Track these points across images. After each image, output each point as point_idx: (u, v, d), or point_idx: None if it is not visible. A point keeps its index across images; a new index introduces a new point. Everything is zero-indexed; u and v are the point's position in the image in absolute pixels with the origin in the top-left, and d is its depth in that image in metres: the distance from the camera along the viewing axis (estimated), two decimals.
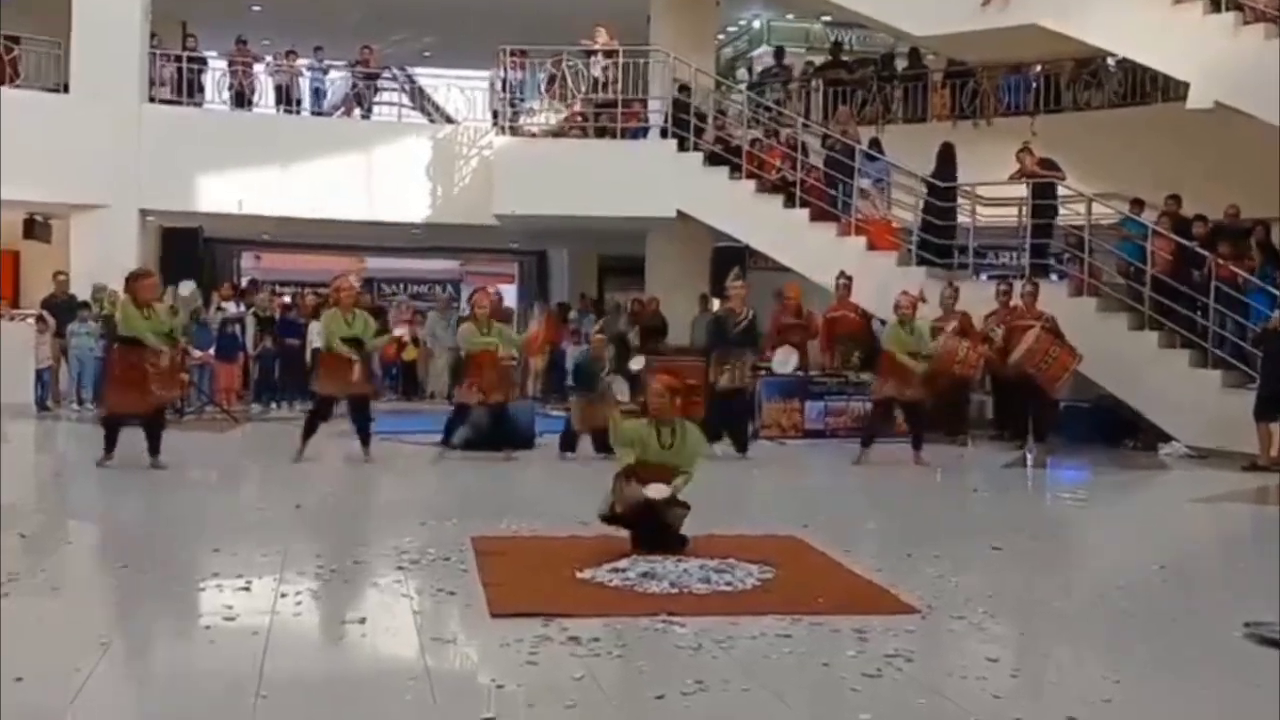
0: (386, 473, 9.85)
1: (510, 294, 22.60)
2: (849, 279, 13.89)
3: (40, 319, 14.89)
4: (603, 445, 10.67)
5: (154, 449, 9.39)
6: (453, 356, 14.04)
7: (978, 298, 13.40)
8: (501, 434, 10.95)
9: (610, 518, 6.41)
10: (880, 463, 10.60)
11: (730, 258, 15.75)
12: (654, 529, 6.35)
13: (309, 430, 10.26)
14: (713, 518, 7.09)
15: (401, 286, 25.60)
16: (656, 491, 6.43)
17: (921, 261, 14.31)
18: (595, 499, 6.73)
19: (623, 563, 6.10)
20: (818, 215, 14.88)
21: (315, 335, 14.31)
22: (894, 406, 11.31)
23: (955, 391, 12.90)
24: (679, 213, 15.71)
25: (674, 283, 17.57)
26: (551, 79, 15.79)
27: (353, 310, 10.46)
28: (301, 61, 17.28)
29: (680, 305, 17.27)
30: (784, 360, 12.89)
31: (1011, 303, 13.03)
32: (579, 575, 5.93)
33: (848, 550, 6.68)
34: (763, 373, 13.07)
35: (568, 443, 11.11)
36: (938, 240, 14.38)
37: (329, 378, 10.54)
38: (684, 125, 15.53)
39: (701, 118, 15.66)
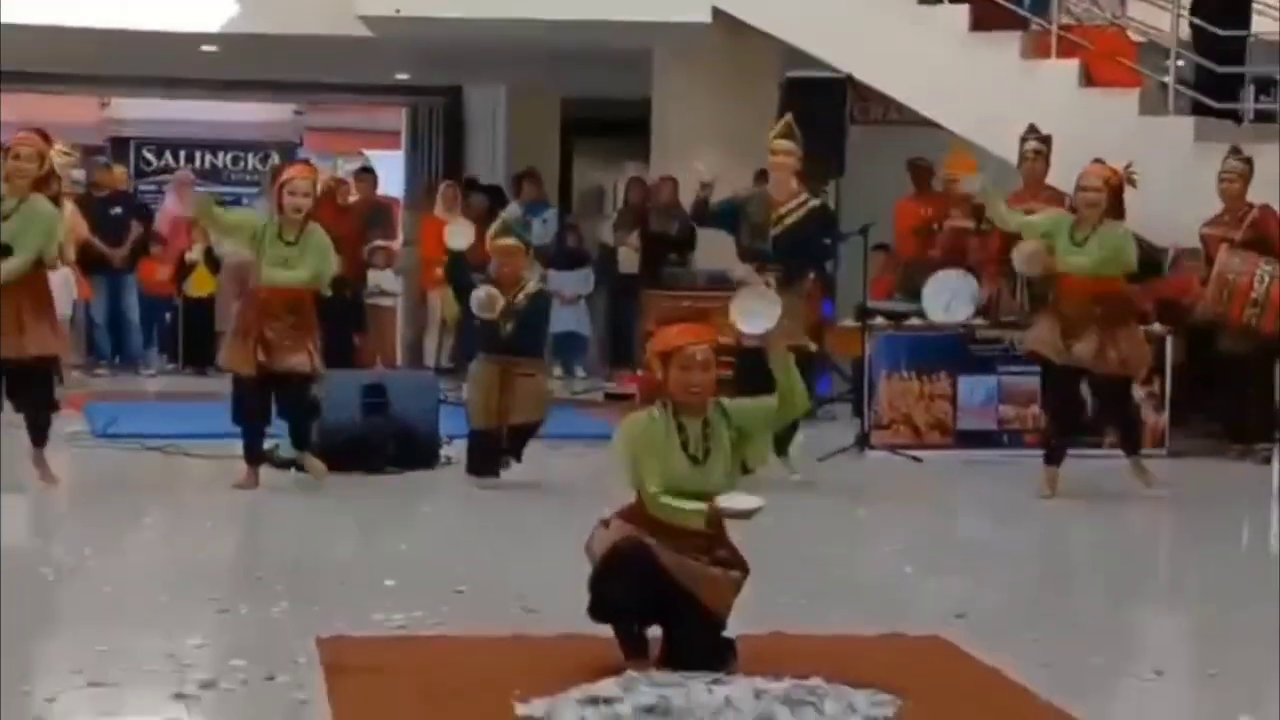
0: (157, 509, 9.46)
1: (394, 169, 20.71)
2: (1044, 142, 12.19)
3: None
4: (514, 451, 10.11)
5: None
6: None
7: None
8: (380, 439, 10.24)
9: (616, 605, 5.76)
10: (1086, 491, 10.03)
11: (813, 95, 13.76)
12: (673, 617, 5.79)
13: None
14: (780, 599, 6.86)
15: (186, 156, 23.00)
16: (735, 502, 5.76)
17: (1193, 109, 13.03)
18: (552, 561, 6.47)
19: (608, 685, 5.45)
20: (986, 19, 13.51)
21: None
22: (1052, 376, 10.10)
23: (1254, 359, 11.70)
24: (716, 12, 14.24)
25: (704, 150, 15.12)
26: None
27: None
28: None
29: (719, 194, 15.15)
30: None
31: None
32: (521, 710, 5.37)
33: (1041, 664, 6.12)
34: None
35: (479, 458, 10.17)
36: (1217, 69, 12.95)
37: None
38: None
39: None
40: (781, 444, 10.05)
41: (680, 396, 5.86)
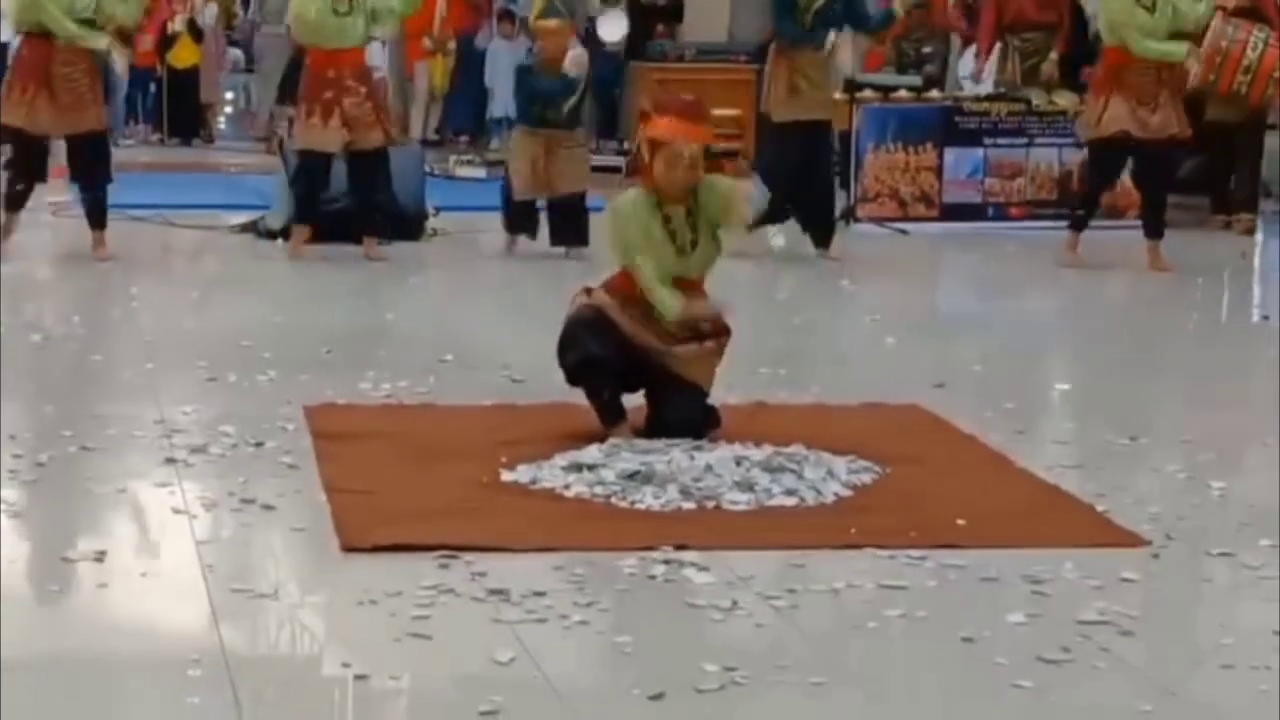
0: (142, 277, 9.45)
1: None
2: None
3: None
4: (570, 232, 10.01)
5: None
6: (295, 57, 12.45)
7: None
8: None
9: (578, 366, 5.85)
10: (1085, 264, 10.20)
11: None
12: (653, 385, 5.89)
13: (14, 200, 9.77)
14: (765, 371, 6.99)
15: None
16: (691, 308, 5.82)
17: None
18: (539, 332, 6.31)
19: (592, 452, 5.63)
20: None
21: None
22: (1123, 154, 10.04)
23: (1240, 132, 11.82)
24: None
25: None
26: None
27: None
28: None
29: None
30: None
31: None
32: (506, 476, 5.53)
33: (1017, 432, 6.25)
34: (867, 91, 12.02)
35: (521, 220, 10.25)
36: None
37: (35, 99, 9.48)
38: None
39: None
40: (823, 237, 10.19)
41: (662, 188, 5.86)
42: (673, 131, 5.74)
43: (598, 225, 9.51)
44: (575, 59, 10.03)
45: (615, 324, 5.77)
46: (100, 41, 9.38)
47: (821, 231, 10.22)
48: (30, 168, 9.69)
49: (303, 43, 9.88)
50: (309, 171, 9.84)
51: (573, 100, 9.98)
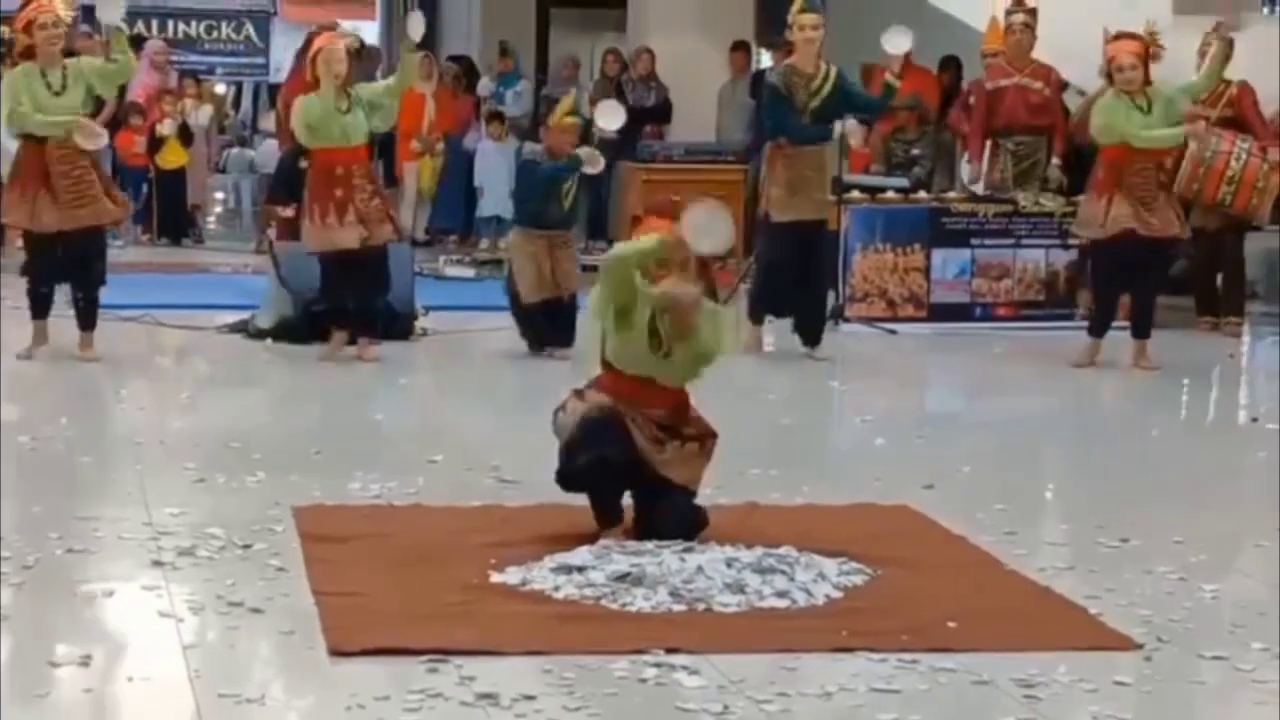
0: (130, 377, 9.46)
1: (368, 40, 20.41)
2: (1031, 14, 12.22)
3: None
4: (560, 332, 9.99)
5: None
6: (287, 157, 12.34)
7: (1273, 49, 12.03)
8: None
9: (590, 467, 5.79)
10: (1055, 365, 10.20)
11: None
12: (643, 488, 5.84)
13: (39, 305, 9.73)
14: (755, 472, 6.92)
15: (159, 25, 23.16)
16: (676, 286, 5.77)
17: None
18: (529, 433, 6.37)
19: (582, 554, 5.57)
20: None
21: None
22: (1128, 253, 10.01)
23: (1226, 236, 11.80)
24: None
25: (682, 20, 15.60)
26: None
27: (62, 62, 9.49)
28: None
29: (698, 66, 15.64)
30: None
31: None
32: (496, 578, 5.49)
33: (1007, 533, 6.21)
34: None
35: (533, 328, 10.15)
36: None
37: (37, 198, 9.48)
38: None
39: None
40: (813, 337, 10.17)
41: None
42: (661, 228, 5.75)
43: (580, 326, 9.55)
44: (590, 154, 10.03)
45: (627, 426, 5.76)
46: (69, 128, 9.31)
47: (812, 331, 10.20)
48: (47, 271, 9.62)
49: (308, 145, 9.90)
50: (334, 272, 9.76)
51: (574, 189, 10.00)
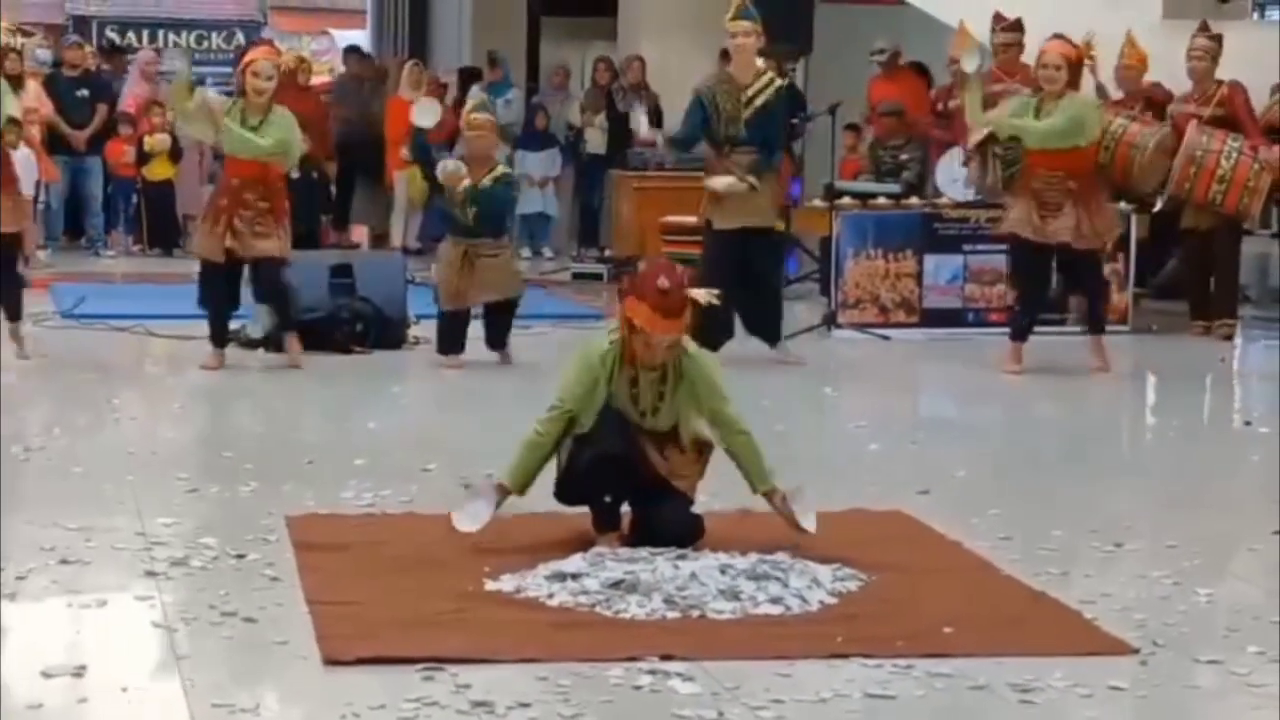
0: (123, 387, 9.44)
1: (361, 46, 21.00)
2: (1015, 29, 12.13)
3: None
4: (498, 337, 10.15)
5: None
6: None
7: (1260, 51, 12.10)
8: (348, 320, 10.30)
9: (594, 463, 5.74)
10: (1049, 368, 10.14)
11: None
12: (640, 495, 5.81)
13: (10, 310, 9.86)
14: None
15: (149, 35, 23.29)
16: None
17: None
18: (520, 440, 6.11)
19: (576, 561, 5.55)
20: None
21: None
22: (1027, 255, 10.12)
23: (1218, 238, 11.75)
24: None
25: (673, 29, 15.79)
26: None
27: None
28: None
29: (687, 73, 15.10)
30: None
31: None
32: (490, 586, 5.46)
33: (1002, 538, 6.20)
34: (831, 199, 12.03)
35: (445, 334, 10.19)
36: None
37: None
38: None
39: None
40: (770, 335, 10.13)
41: (639, 357, 5.80)
42: (650, 325, 5.70)
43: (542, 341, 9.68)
44: (451, 170, 9.73)
45: (630, 428, 5.76)
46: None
47: (767, 330, 10.07)
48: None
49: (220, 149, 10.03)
50: (204, 278, 9.84)
51: (474, 208, 9.79)
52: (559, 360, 9.67)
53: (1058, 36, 9.99)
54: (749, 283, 9.95)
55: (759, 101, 9.98)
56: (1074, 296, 10.86)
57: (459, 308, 9.97)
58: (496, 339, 10.03)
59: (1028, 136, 9.92)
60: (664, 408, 5.83)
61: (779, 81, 10.15)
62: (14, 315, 9.82)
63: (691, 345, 5.88)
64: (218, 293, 9.81)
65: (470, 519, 5.83)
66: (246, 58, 9.98)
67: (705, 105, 10.05)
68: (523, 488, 5.87)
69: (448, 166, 9.79)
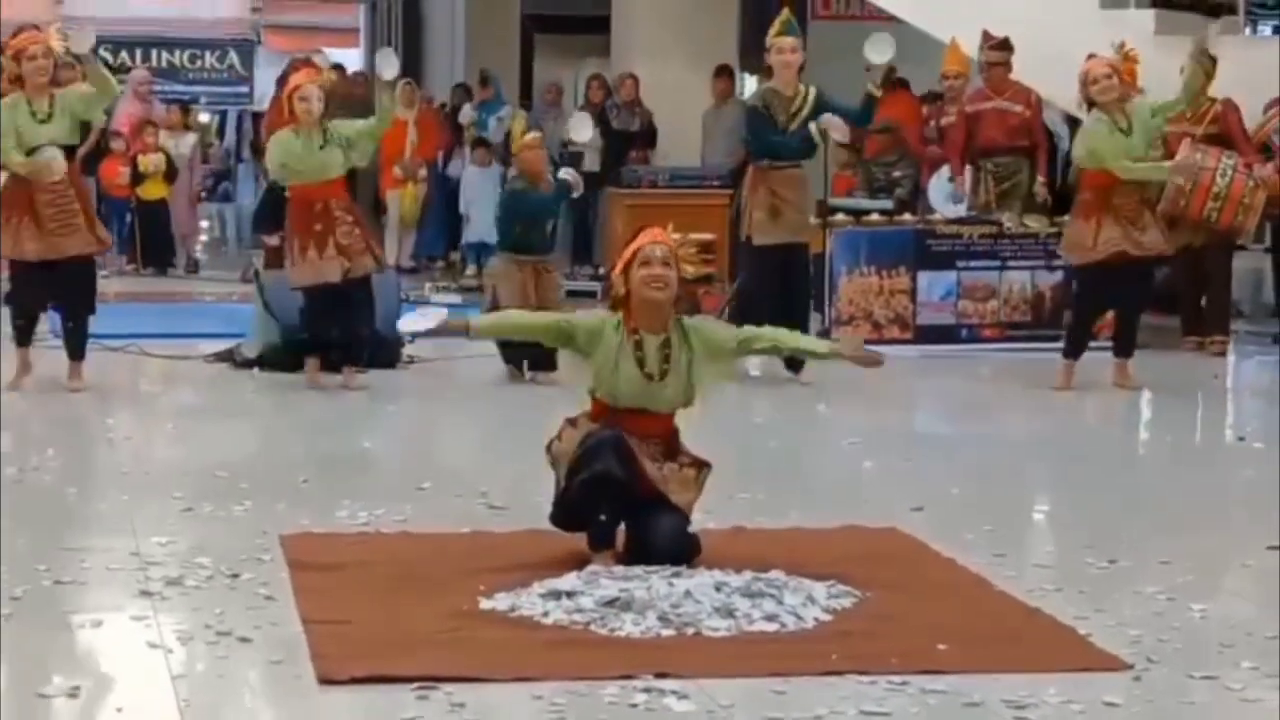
0: (117, 407, 9.45)
1: (352, 68, 20.91)
2: (1003, 48, 12.30)
3: None
4: (543, 357, 9.91)
5: None
6: (272, 188, 12.52)
7: (1254, 68, 11.91)
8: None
9: (591, 482, 5.73)
10: (1045, 384, 10.18)
11: None
12: (637, 513, 5.78)
13: (19, 335, 9.70)
14: (743, 496, 6.88)
15: (143, 54, 22.86)
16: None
17: (1153, 1, 13.04)
18: (517, 459, 6.51)
19: (571, 579, 5.53)
20: None
21: None
22: (1116, 276, 9.99)
23: (1211, 254, 11.82)
24: None
25: (666, 46, 15.58)
26: None
27: (49, 92, 9.48)
28: None
29: (680, 90, 15.63)
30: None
31: None
32: (485, 604, 5.43)
33: (996, 555, 6.19)
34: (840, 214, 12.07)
35: (514, 351, 10.11)
36: None
37: (21, 227, 9.49)
38: None
39: None
40: (796, 361, 10.11)
41: (645, 294, 5.81)
42: (641, 239, 5.79)
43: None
44: (572, 175, 10.06)
45: (628, 444, 5.75)
46: (47, 159, 9.28)
47: (796, 359, 10.17)
48: (28, 300, 9.61)
49: (282, 182, 9.86)
50: (317, 305, 9.73)
51: (557, 218, 9.99)
52: (554, 377, 9.73)
53: (1091, 57, 9.99)
54: (781, 300, 10.05)
55: (804, 113, 10.10)
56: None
57: None
58: (545, 359, 9.83)
59: (1144, 177, 9.92)
60: (671, 371, 5.84)
61: (813, 90, 10.19)
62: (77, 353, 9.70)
63: (687, 319, 5.94)
64: (328, 313, 9.74)
65: (414, 321, 6.04)
66: (292, 82, 9.90)
67: (763, 115, 10.17)
68: (480, 332, 6.23)
69: (574, 177, 10.03)
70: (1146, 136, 9.91)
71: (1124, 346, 10.12)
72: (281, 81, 11.11)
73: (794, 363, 10.22)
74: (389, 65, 10.37)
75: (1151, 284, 10.41)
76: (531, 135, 10.15)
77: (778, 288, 10.07)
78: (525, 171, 10.18)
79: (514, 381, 10.06)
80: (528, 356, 9.98)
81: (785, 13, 10.46)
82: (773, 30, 10.23)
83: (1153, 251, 9.90)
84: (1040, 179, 12.15)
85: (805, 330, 10.43)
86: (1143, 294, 10.23)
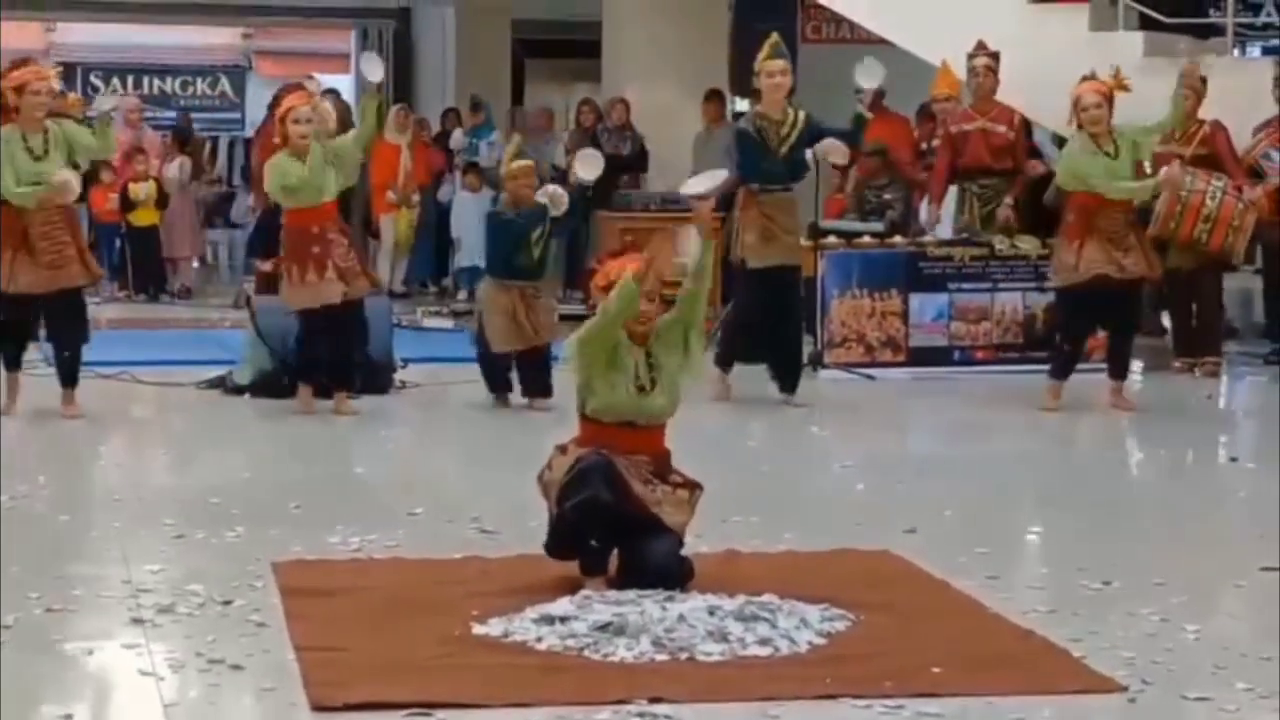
0: (109, 434, 9.48)
1: (345, 91, 20.48)
2: (994, 58, 12.24)
3: None
4: (538, 383, 9.89)
5: None
6: (267, 214, 12.48)
7: (1243, 90, 11.86)
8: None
9: (581, 507, 5.73)
10: (1033, 409, 10.18)
11: (764, 14, 14.51)
12: (629, 537, 5.76)
13: (9, 362, 9.72)
14: (736, 520, 6.88)
15: (134, 81, 22.95)
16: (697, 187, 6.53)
17: (1142, 24, 12.95)
18: (509, 484, 6.45)
19: (563, 604, 5.52)
20: None
21: None
22: (1100, 298, 10.03)
23: (1202, 275, 11.78)
24: None
25: (657, 70, 15.53)
26: None
27: (44, 126, 9.48)
28: None
29: (671, 114, 15.59)
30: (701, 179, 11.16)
31: None
32: (478, 630, 5.42)
33: (989, 577, 6.17)
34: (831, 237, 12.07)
35: (498, 377, 10.10)
36: None
37: (15, 259, 9.47)
38: None
39: None
40: (790, 383, 10.17)
41: (631, 328, 5.83)
42: (624, 268, 5.79)
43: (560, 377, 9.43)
44: (553, 193, 9.97)
45: (619, 469, 5.74)
46: (58, 183, 9.29)
47: (789, 377, 10.19)
48: (19, 330, 9.57)
49: (286, 206, 9.85)
50: (314, 328, 9.71)
51: (544, 239, 9.92)
52: (549, 403, 9.71)
53: (1086, 79, 10.00)
54: (776, 323, 10.10)
55: (792, 138, 10.11)
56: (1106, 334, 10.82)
57: (513, 350, 9.88)
58: (540, 385, 9.82)
59: (1130, 194, 9.93)
60: (658, 381, 5.85)
61: (802, 114, 10.20)
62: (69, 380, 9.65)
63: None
64: (322, 339, 9.72)
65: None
66: (285, 105, 9.89)
67: (753, 139, 10.17)
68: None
69: (556, 193, 9.94)
70: (1133, 161, 9.93)
71: (1118, 369, 10.12)
72: (272, 106, 11.06)
73: (786, 385, 10.26)
74: (374, 68, 10.32)
75: (1139, 306, 10.41)
76: (518, 164, 10.12)
77: (769, 310, 10.09)
78: (511, 196, 10.15)
79: (499, 408, 10.04)
80: (509, 385, 9.96)
81: (774, 36, 10.47)
82: (761, 54, 10.24)
83: (1135, 275, 9.91)
84: (1007, 200, 12.10)
85: (798, 354, 10.47)
86: (1132, 316, 10.25)
